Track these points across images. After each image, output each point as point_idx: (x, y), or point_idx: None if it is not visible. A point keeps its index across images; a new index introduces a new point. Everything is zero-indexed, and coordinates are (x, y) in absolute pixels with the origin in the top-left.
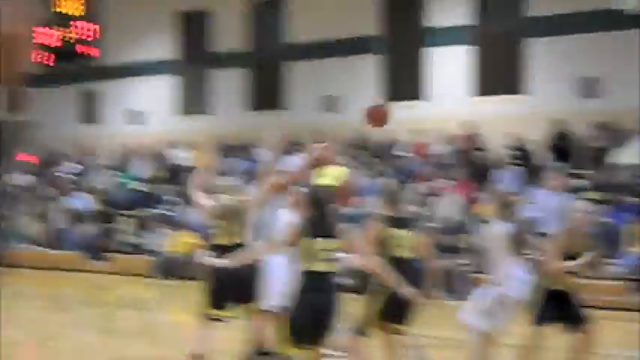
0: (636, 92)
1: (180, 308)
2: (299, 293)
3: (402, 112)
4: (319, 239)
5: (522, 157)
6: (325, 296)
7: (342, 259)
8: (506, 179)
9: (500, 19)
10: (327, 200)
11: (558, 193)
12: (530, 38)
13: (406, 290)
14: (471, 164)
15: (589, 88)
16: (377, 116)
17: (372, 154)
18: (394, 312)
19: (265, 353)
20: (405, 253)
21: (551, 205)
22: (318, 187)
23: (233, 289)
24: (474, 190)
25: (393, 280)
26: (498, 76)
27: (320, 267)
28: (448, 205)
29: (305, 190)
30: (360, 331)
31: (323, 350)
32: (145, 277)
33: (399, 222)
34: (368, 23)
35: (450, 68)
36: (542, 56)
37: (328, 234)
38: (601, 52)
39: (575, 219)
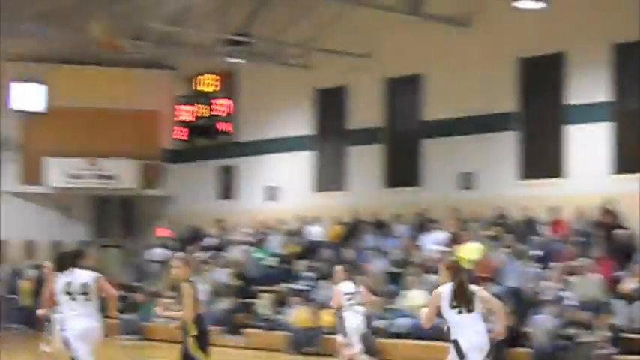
0: None
1: None
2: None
3: (540, 190)
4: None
5: None
6: None
7: None
8: None
9: (638, 95)
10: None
11: None
12: None
13: None
14: (612, 242)
15: None
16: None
17: (510, 232)
18: None
19: None
20: None
21: None
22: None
23: None
24: (615, 268)
25: None
26: (637, 152)
27: None
28: (588, 283)
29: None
30: None
31: None
32: (281, 352)
33: None
34: (505, 100)
35: (587, 145)
36: None
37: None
38: None
39: None
